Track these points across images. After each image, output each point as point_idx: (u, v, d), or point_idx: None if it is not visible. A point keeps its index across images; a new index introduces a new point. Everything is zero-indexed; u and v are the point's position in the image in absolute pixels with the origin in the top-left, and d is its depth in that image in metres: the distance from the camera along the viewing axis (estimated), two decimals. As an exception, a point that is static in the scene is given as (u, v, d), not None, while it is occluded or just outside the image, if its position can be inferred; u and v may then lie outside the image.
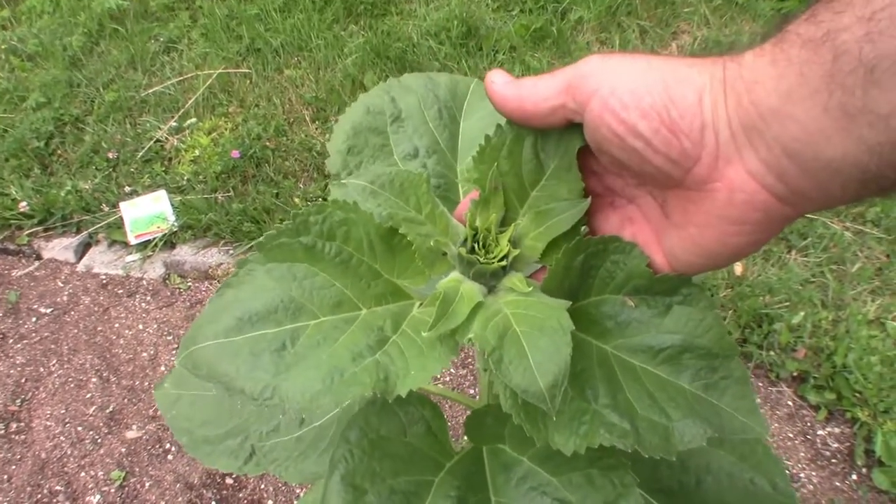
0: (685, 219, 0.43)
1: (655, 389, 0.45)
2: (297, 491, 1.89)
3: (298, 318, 0.49)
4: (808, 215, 2.36)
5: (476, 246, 0.52)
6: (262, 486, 1.94)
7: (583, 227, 0.50)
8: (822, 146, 0.35)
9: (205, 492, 1.94)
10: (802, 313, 2.12)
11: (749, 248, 0.42)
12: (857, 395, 1.97)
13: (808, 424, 1.98)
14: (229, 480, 1.97)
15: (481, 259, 0.51)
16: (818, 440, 1.95)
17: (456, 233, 0.54)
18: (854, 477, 1.87)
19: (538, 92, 0.45)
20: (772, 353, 2.08)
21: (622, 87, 0.40)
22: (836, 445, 1.94)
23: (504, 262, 0.51)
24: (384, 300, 0.52)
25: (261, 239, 0.51)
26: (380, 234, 0.52)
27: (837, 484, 1.86)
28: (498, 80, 0.47)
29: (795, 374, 2.07)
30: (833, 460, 1.91)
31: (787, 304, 2.16)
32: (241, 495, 1.93)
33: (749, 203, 0.39)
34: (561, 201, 0.50)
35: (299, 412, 0.43)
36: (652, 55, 0.41)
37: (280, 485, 1.94)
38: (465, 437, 0.59)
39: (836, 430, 1.97)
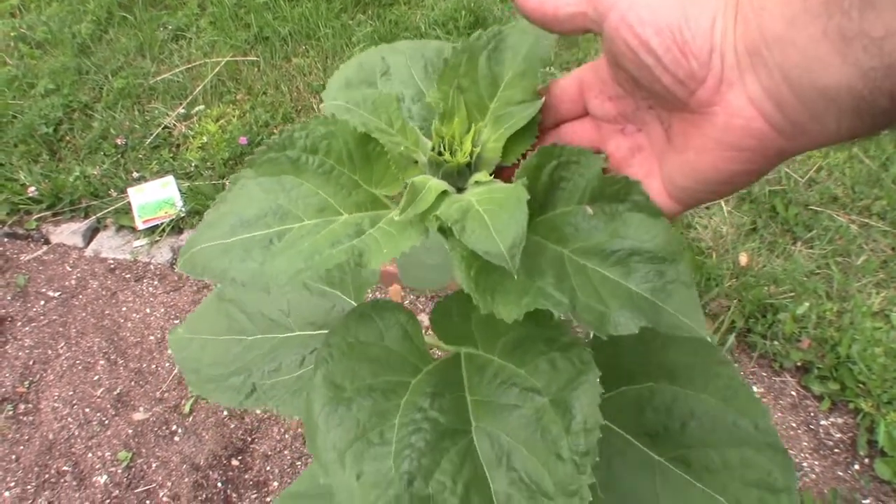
0: (685, 143, 0.43)
1: (601, 287, 0.48)
2: (302, 471, 1.91)
3: (285, 222, 0.53)
4: (814, 207, 2.36)
5: (442, 149, 0.56)
6: (268, 468, 1.96)
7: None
8: (819, 73, 0.35)
9: (211, 473, 1.95)
10: (807, 304, 2.13)
11: (743, 178, 0.42)
12: (861, 385, 1.97)
13: (812, 414, 1.99)
14: (235, 462, 1.98)
15: (447, 159, 0.55)
16: (821, 430, 1.96)
17: (425, 145, 0.58)
18: (857, 467, 1.88)
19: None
20: (776, 343, 2.09)
21: (641, 2, 0.41)
22: (839, 435, 1.95)
23: (468, 160, 0.55)
24: (364, 208, 0.56)
25: (252, 156, 0.56)
26: (357, 142, 0.56)
27: (840, 473, 1.87)
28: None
29: (799, 364, 2.07)
30: (836, 450, 1.92)
31: (792, 294, 2.17)
32: (246, 476, 1.95)
33: (745, 129, 0.39)
34: (516, 105, 0.55)
35: (283, 291, 0.47)
36: None
37: (285, 466, 1.96)
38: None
39: (840, 421, 1.97)
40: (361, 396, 0.52)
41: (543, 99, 0.54)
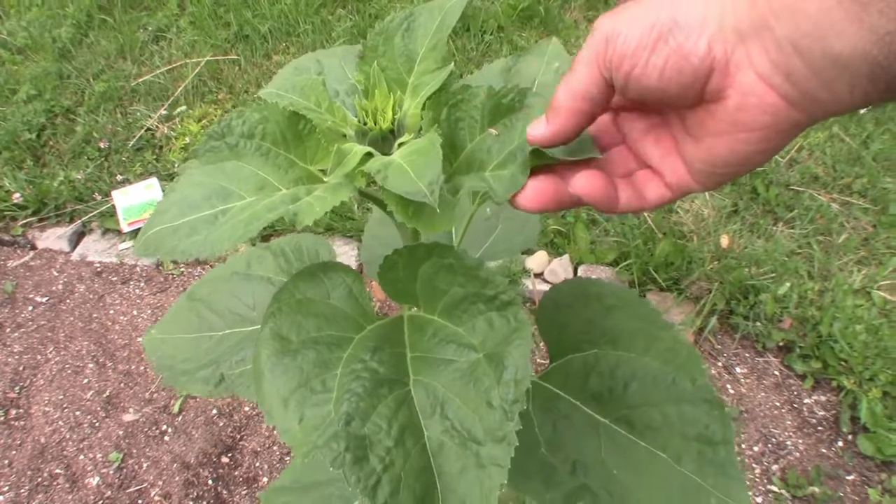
0: (702, 131, 0.44)
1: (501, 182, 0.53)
2: (291, 467, 1.93)
3: (228, 201, 0.57)
4: (795, 187, 2.38)
5: (366, 119, 0.60)
6: (258, 464, 1.98)
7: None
8: (831, 40, 0.35)
9: (201, 471, 1.97)
10: (788, 284, 2.15)
11: (760, 157, 0.42)
12: (843, 363, 2.00)
13: (795, 393, 2.01)
14: (225, 459, 2.00)
15: (371, 127, 0.59)
16: (804, 408, 1.98)
17: (352, 121, 0.62)
18: (840, 443, 1.90)
19: (577, 93, 0.46)
20: (758, 323, 2.11)
21: (632, 34, 0.41)
22: (821, 413, 1.97)
23: (391, 126, 0.59)
24: (300, 182, 0.60)
25: (195, 147, 0.61)
26: (288, 122, 0.61)
27: (823, 451, 1.89)
28: (536, 131, 0.49)
29: (781, 343, 2.10)
30: (819, 428, 1.94)
31: (773, 275, 2.19)
32: (236, 473, 1.97)
33: (758, 106, 0.40)
34: (430, 74, 0.60)
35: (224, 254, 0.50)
36: None
37: (275, 462, 1.98)
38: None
39: (822, 399, 2.00)
40: (306, 348, 0.55)
41: (452, 64, 0.59)
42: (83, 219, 2.70)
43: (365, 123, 0.60)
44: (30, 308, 2.47)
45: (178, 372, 0.85)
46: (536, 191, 0.51)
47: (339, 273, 0.62)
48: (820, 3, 0.35)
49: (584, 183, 0.49)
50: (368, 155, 0.58)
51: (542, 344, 0.76)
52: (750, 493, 1.79)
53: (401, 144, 0.59)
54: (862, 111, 2.65)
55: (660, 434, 0.68)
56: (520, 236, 0.98)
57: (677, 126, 0.47)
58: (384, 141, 0.60)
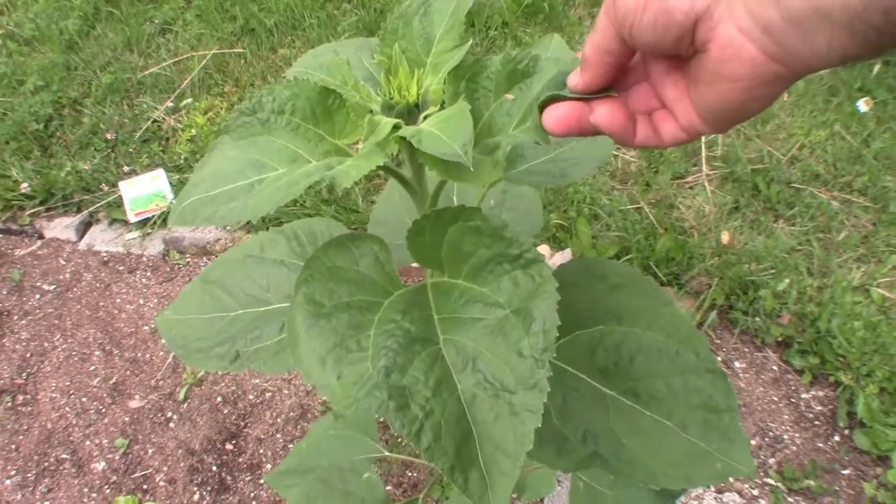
0: (698, 77, 0.46)
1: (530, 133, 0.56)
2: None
3: (262, 172, 0.60)
4: (796, 184, 2.40)
5: (392, 94, 0.63)
6: (261, 451, 2.00)
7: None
8: None
9: (205, 457, 2.00)
10: (788, 280, 2.16)
11: (753, 104, 0.44)
12: (841, 359, 2.01)
13: (793, 388, 2.03)
14: (229, 446, 2.02)
15: (398, 101, 0.62)
16: (802, 403, 2.00)
17: (377, 99, 0.65)
18: (836, 438, 1.92)
19: (600, 47, 0.49)
20: (757, 319, 2.13)
21: None
22: (819, 408, 1.99)
23: (416, 100, 0.63)
24: (330, 155, 0.63)
25: (226, 122, 0.63)
26: (318, 97, 0.64)
27: (820, 445, 1.91)
28: (572, 81, 0.53)
29: (780, 339, 2.11)
30: (816, 422, 1.96)
31: (773, 271, 2.20)
32: (240, 459, 1.99)
33: (736, 58, 0.41)
34: (448, 53, 0.63)
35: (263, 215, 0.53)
36: None
37: (278, 449, 2.00)
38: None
39: (820, 394, 2.01)
40: (339, 311, 0.57)
41: (470, 42, 0.62)
42: (90, 209, 2.72)
43: (391, 98, 0.63)
44: (37, 296, 2.50)
45: (191, 350, 0.87)
46: (560, 116, 0.54)
47: (367, 242, 0.65)
48: None
49: (604, 113, 0.53)
50: (397, 126, 0.60)
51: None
52: (746, 486, 1.82)
53: (426, 117, 0.62)
54: (863, 108, 2.67)
55: (665, 403, 0.70)
56: (523, 225, 1.00)
57: (686, 70, 0.49)
58: (410, 114, 0.63)
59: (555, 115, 0.55)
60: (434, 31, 0.66)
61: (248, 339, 0.85)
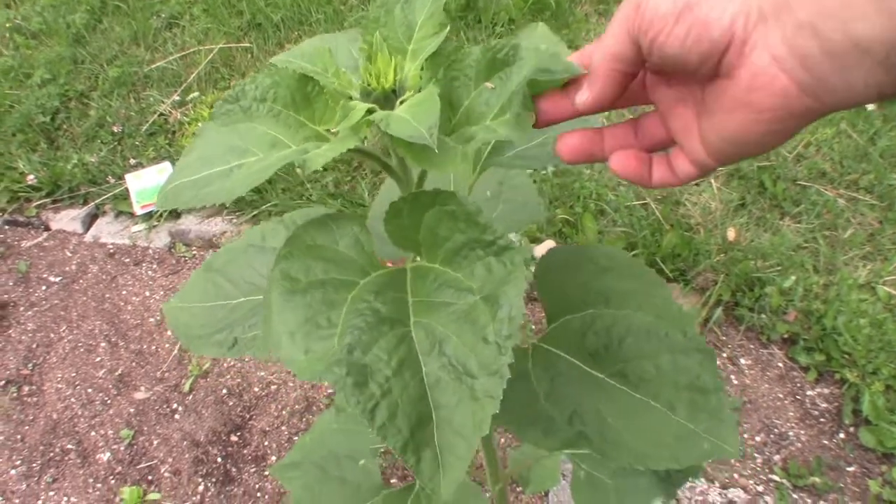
0: (715, 105, 0.44)
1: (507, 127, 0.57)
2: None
3: (243, 157, 0.62)
4: (802, 182, 2.39)
5: (370, 80, 0.64)
6: (266, 443, 2.00)
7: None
8: (854, 22, 0.35)
9: (210, 448, 2.00)
10: (794, 277, 2.16)
11: (771, 138, 0.43)
12: (847, 356, 2.00)
13: (798, 385, 2.02)
14: (234, 438, 2.03)
15: (374, 87, 0.63)
16: (807, 400, 1.99)
17: (357, 86, 0.66)
18: (841, 435, 1.91)
19: (611, 55, 0.48)
20: (763, 315, 2.12)
21: (659, 1, 0.43)
22: (824, 405, 1.98)
23: (393, 86, 0.63)
24: (309, 140, 0.64)
25: (211, 111, 0.65)
26: (297, 84, 0.65)
27: (825, 442, 1.90)
28: (580, 98, 0.52)
29: (786, 336, 2.11)
30: (822, 419, 1.95)
31: (779, 268, 2.20)
32: (245, 451, 1.99)
33: (769, 88, 0.40)
34: (428, 38, 0.64)
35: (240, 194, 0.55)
36: None
37: (283, 441, 2.00)
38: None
39: (825, 391, 2.01)
40: (314, 288, 0.58)
41: (448, 28, 0.63)
42: (96, 201, 2.73)
43: (369, 84, 0.64)
44: (43, 287, 2.51)
45: (193, 336, 0.89)
46: (575, 147, 0.55)
47: (348, 222, 0.65)
48: None
49: (618, 161, 0.53)
50: (371, 111, 0.61)
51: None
52: (751, 482, 1.82)
53: (402, 102, 0.63)
54: (871, 107, 2.67)
55: (653, 385, 0.71)
56: (521, 216, 1.00)
57: (698, 98, 0.48)
58: (387, 100, 0.64)
59: (569, 145, 0.55)
60: (416, 18, 0.67)
61: (245, 327, 0.87)
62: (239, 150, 0.62)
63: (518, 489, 1.81)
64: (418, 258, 0.63)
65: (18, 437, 2.10)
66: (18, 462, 2.04)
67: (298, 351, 0.54)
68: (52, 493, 1.97)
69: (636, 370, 0.72)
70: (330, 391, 2.10)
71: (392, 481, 1.89)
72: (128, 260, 2.55)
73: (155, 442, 2.04)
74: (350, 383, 0.52)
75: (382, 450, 1.15)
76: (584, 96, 0.52)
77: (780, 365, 2.08)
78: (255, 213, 2.52)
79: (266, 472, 1.94)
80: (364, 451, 1.08)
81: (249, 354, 0.82)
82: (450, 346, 0.54)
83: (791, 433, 1.93)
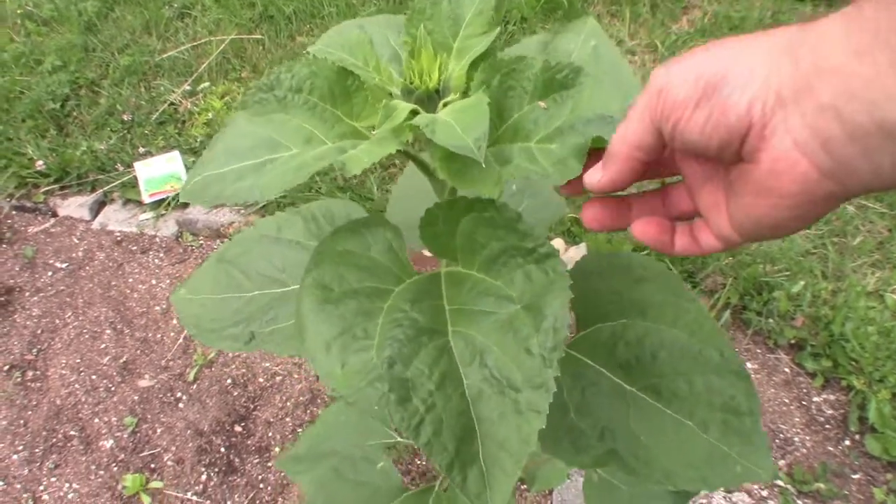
0: (741, 188, 0.43)
1: (551, 159, 0.54)
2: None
3: (275, 151, 0.59)
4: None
5: (413, 78, 0.62)
6: (270, 434, 2.00)
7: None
8: (880, 104, 0.33)
9: (214, 438, 1.99)
10: (802, 283, 2.15)
11: (796, 223, 0.41)
12: (854, 363, 2.00)
13: (804, 391, 2.02)
14: (238, 428, 2.02)
15: (417, 86, 0.61)
16: (813, 406, 1.99)
17: (398, 81, 0.64)
18: (847, 442, 1.90)
19: (632, 142, 0.47)
20: (770, 320, 2.12)
21: (679, 87, 0.41)
22: (830, 412, 1.97)
23: (437, 86, 0.61)
24: (346, 138, 0.62)
25: (243, 98, 0.63)
26: (337, 77, 0.63)
27: (830, 449, 1.89)
28: (593, 178, 0.51)
29: (793, 341, 2.10)
30: (827, 426, 1.94)
31: (788, 273, 2.19)
32: (249, 442, 1.99)
33: (790, 174, 0.38)
34: (475, 38, 0.62)
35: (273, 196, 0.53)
36: (720, 42, 0.42)
37: (287, 432, 2.00)
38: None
39: (832, 397, 2.00)
40: (348, 297, 0.56)
41: (498, 29, 0.61)
42: (105, 188, 2.73)
43: (411, 82, 0.61)
44: (49, 273, 2.50)
45: (205, 329, 0.87)
46: (600, 219, 0.54)
47: (380, 228, 0.63)
48: (875, 66, 0.34)
49: (641, 228, 0.52)
50: (414, 112, 0.59)
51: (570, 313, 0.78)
52: (755, 487, 1.81)
53: (445, 104, 0.61)
54: None
55: (686, 403, 0.69)
56: (545, 213, 0.99)
57: (725, 179, 0.46)
58: (429, 100, 0.61)
59: (594, 216, 0.54)
60: (464, 13, 0.64)
61: (263, 321, 0.85)
62: (271, 144, 0.60)
63: (522, 487, 1.80)
64: (453, 264, 0.62)
65: (21, 422, 2.09)
66: (21, 447, 2.03)
67: (335, 364, 0.53)
68: (53, 479, 1.96)
69: (669, 386, 0.70)
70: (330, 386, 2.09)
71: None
72: (135, 248, 2.55)
73: (158, 430, 2.04)
74: (393, 399, 0.50)
75: (393, 445, 1.14)
76: (596, 177, 0.51)
77: (787, 370, 2.07)
78: (263, 204, 2.52)
79: (270, 464, 1.94)
80: (375, 445, 1.07)
81: (268, 350, 0.81)
82: (491, 358, 0.53)
83: (796, 439, 1.92)
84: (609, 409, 0.70)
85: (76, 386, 2.16)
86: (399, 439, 1.16)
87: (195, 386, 2.13)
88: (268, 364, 2.17)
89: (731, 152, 0.41)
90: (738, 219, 0.45)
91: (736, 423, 0.68)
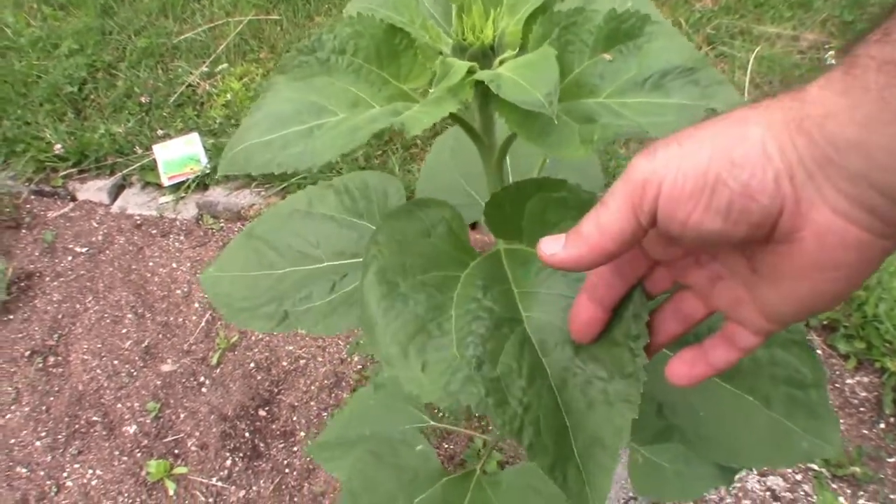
0: (778, 273, 0.40)
1: (638, 115, 0.52)
2: (328, 421, 1.93)
3: (321, 117, 0.56)
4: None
5: (467, 34, 0.58)
6: (295, 419, 1.98)
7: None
8: None
9: (238, 423, 1.98)
10: (834, 263, 2.11)
11: (849, 290, 0.39)
12: (888, 345, 1.96)
13: (837, 373, 1.98)
14: (262, 412, 2.01)
15: (471, 42, 0.57)
16: (846, 389, 1.95)
17: (447, 41, 0.61)
18: (882, 425, 1.87)
19: (606, 231, 0.42)
20: (802, 301, 2.08)
21: (682, 178, 0.38)
22: (864, 394, 1.94)
23: (492, 42, 0.58)
24: (395, 100, 0.58)
25: (281, 62, 0.59)
26: (384, 36, 0.60)
27: (865, 432, 1.86)
28: (550, 248, 0.45)
29: (826, 322, 2.06)
30: (861, 409, 1.91)
31: (820, 253, 2.16)
32: (273, 426, 1.97)
33: (841, 245, 0.36)
34: None
35: (326, 162, 0.49)
36: (697, 127, 0.39)
37: (312, 417, 1.98)
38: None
39: (865, 380, 1.97)
40: (416, 291, 0.53)
41: None
42: (123, 172, 2.71)
43: (464, 39, 0.58)
44: (69, 258, 2.49)
45: (236, 309, 0.84)
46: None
47: (436, 209, 0.60)
48: (892, 136, 0.32)
49: (676, 374, 0.49)
50: (471, 71, 0.55)
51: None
52: (790, 471, 1.78)
53: (502, 62, 0.58)
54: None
55: (747, 377, 0.66)
56: (582, 184, 0.96)
57: (744, 271, 0.43)
58: (484, 58, 0.58)
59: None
60: None
61: (296, 299, 0.82)
62: (316, 108, 0.56)
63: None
64: (515, 242, 0.58)
65: (44, 408, 2.09)
66: (44, 434, 2.03)
67: (415, 367, 0.49)
68: (77, 466, 1.96)
69: None
70: (360, 367, 2.08)
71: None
72: (155, 231, 2.53)
73: (182, 415, 2.02)
74: (492, 403, 0.47)
75: (424, 429, 1.11)
76: (552, 249, 0.45)
77: (819, 352, 2.03)
78: (284, 185, 2.49)
79: (295, 449, 1.92)
80: (408, 430, 1.04)
81: (303, 329, 0.78)
82: (570, 346, 0.49)
83: (830, 422, 1.88)
84: (665, 385, 0.67)
85: (98, 371, 2.15)
86: (431, 423, 1.14)
87: (218, 370, 2.11)
88: (291, 347, 2.15)
89: (761, 235, 0.38)
90: (776, 307, 0.42)
91: (801, 396, 0.65)
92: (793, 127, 0.35)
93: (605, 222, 0.42)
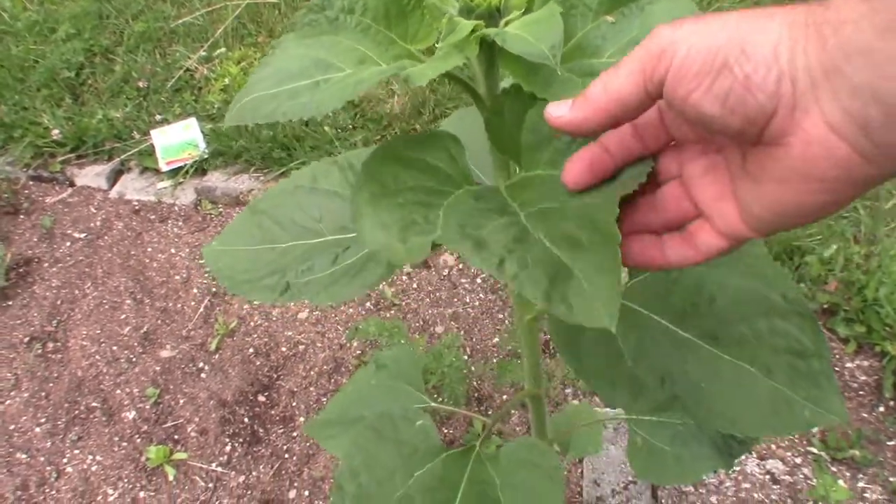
0: (763, 174, 0.40)
1: None
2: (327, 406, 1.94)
3: (328, 72, 0.57)
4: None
5: None
6: (294, 404, 1.98)
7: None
8: None
9: (237, 408, 1.98)
10: (835, 247, 2.11)
11: (828, 208, 0.39)
12: (888, 328, 1.96)
13: (837, 357, 1.99)
14: (261, 398, 2.01)
15: (478, 3, 0.58)
16: (846, 372, 1.96)
17: (454, 5, 0.61)
18: (881, 409, 1.88)
19: (613, 95, 0.43)
20: (802, 285, 2.08)
21: (693, 55, 0.38)
22: (864, 378, 1.94)
23: (497, 3, 0.58)
24: (401, 59, 0.59)
25: (292, 21, 0.59)
26: None
27: (865, 415, 1.87)
28: (557, 111, 0.46)
29: (826, 306, 2.06)
30: (861, 392, 1.91)
31: (820, 237, 2.15)
32: (273, 412, 1.98)
33: (826, 158, 0.36)
34: None
35: (335, 109, 0.49)
36: (729, 13, 0.39)
37: (311, 402, 1.98)
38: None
39: (865, 364, 1.97)
40: (406, 191, 0.54)
41: None
42: (121, 157, 2.71)
43: (471, 0, 0.59)
44: (67, 243, 2.49)
45: (238, 280, 0.84)
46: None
47: (441, 138, 0.60)
48: None
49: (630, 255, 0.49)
50: (476, 30, 0.56)
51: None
52: (789, 454, 1.78)
53: (507, 23, 0.58)
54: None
55: (747, 348, 0.66)
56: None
57: (736, 165, 0.43)
58: (490, 18, 0.58)
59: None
60: None
61: (298, 271, 0.82)
62: (323, 65, 0.57)
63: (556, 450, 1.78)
64: (517, 170, 0.59)
65: (43, 394, 2.09)
66: (43, 420, 2.03)
67: (396, 241, 0.50)
68: (76, 452, 1.96)
69: (728, 331, 0.67)
70: (359, 352, 2.08)
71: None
72: (153, 217, 2.53)
73: (181, 401, 2.03)
74: (469, 246, 0.47)
75: (424, 408, 1.11)
76: (559, 111, 0.46)
77: (819, 336, 2.03)
78: (282, 170, 2.49)
79: (294, 434, 1.92)
80: (409, 409, 1.04)
81: (305, 299, 0.78)
82: (563, 226, 0.47)
83: (830, 406, 1.89)
84: (667, 357, 0.68)
85: (97, 357, 2.15)
86: (433, 404, 1.14)
87: (217, 356, 2.11)
88: (290, 333, 2.15)
89: (752, 132, 0.38)
90: (754, 209, 0.42)
91: (803, 365, 0.65)
92: (812, 30, 0.35)
93: (613, 86, 0.43)
